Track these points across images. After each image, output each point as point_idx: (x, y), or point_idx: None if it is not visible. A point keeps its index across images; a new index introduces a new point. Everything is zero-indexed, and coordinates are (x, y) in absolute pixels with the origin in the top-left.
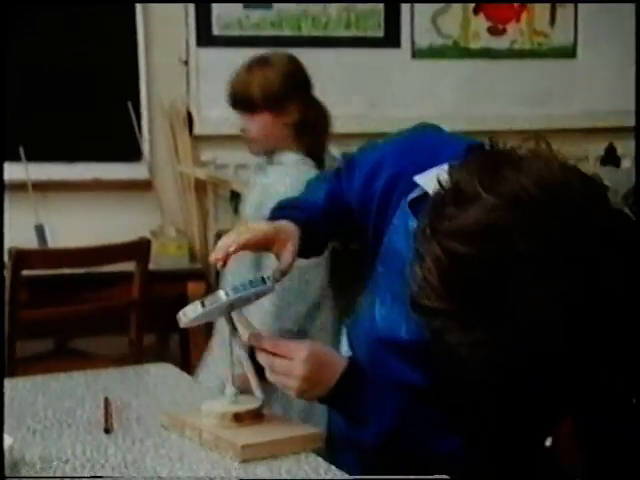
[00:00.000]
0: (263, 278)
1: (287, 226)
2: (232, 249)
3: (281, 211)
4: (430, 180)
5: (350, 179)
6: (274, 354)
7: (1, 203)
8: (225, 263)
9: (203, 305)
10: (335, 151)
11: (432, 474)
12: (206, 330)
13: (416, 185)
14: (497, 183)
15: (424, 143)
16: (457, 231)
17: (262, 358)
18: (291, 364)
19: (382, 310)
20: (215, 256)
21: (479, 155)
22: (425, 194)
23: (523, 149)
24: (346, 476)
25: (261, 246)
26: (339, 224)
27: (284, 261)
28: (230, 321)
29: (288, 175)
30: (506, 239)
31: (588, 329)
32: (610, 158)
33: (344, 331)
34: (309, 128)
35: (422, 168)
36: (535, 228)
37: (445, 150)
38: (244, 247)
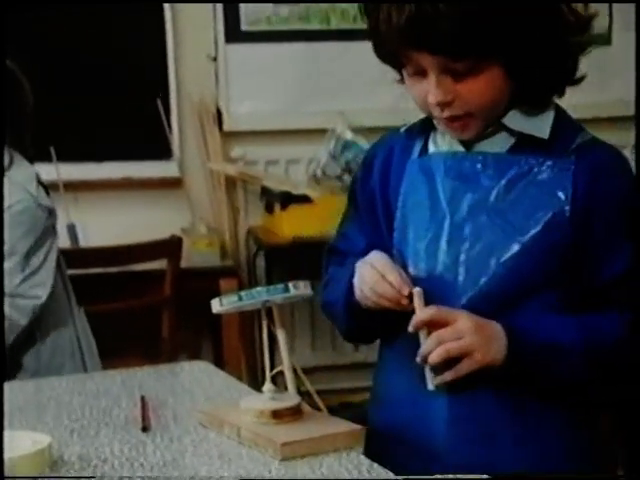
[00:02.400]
0: (287, 286)
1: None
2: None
3: None
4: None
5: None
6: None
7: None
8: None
9: (221, 304)
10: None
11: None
12: (239, 328)
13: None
14: None
15: (388, 136)
16: None
17: (430, 340)
18: (454, 326)
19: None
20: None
21: None
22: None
23: None
24: (390, 475)
25: None
26: None
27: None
28: (268, 316)
29: None
30: None
31: None
32: None
33: None
34: None
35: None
36: None
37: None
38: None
